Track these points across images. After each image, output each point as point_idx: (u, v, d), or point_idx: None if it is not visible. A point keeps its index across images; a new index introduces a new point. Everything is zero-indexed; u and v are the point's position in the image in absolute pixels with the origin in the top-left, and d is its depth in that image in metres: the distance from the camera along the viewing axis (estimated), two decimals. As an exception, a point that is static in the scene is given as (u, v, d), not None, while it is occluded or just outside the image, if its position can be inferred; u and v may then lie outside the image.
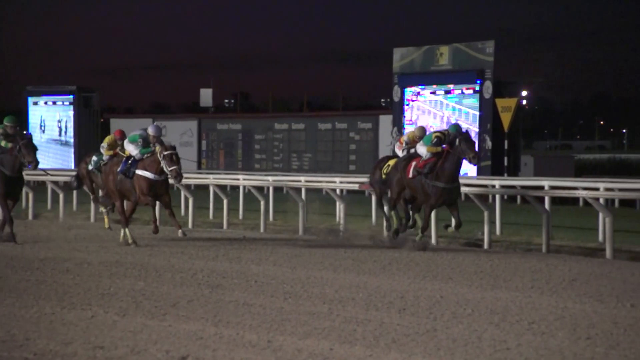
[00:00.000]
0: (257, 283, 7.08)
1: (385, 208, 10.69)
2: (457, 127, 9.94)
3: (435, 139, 9.75)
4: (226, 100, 52.27)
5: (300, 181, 15.06)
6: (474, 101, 23.81)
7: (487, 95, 23.39)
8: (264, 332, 5.18)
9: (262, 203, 12.82)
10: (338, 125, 27.61)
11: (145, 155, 9.98)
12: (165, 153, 9.76)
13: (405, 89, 25.52)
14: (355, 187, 13.95)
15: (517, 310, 5.82)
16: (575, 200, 17.40)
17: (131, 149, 10.20)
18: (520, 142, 25.50)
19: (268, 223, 13.21)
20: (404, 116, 25.56)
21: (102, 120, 30.46)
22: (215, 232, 12.18)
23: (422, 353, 4.68)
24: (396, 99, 25.77)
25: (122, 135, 11.87)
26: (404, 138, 10.50)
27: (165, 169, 9.77)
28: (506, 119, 22.47)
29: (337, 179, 16.03)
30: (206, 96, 30.46)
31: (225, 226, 13.09)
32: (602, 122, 73.24)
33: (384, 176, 10.45)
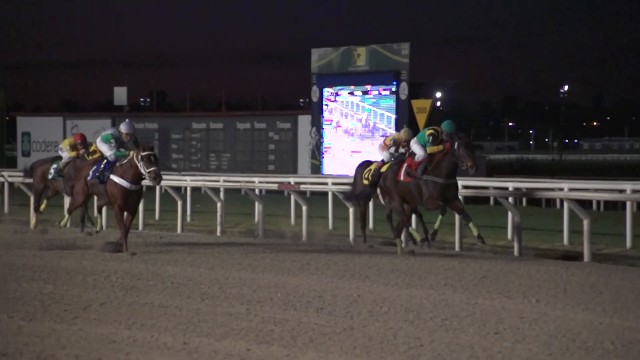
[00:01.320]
0: (174, 284, 6.97)
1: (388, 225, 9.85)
2: (450, 124, 9.15)
3: (431, 137, 9.16)
4: (142, 99, 51.15)
5: (218, 181, 14.93)
6: (391, 102, 24.26)
7: (403, 97, 23.88)
8: (179, 334, 5.11)
9: (179, 203, 12.63)
10: (257, 125, 27.54)
11: (122, 161, 9.36)
12: (143, 154, 9.18)
13: (324, 90, 25.73)
14: (275, 187, 13.95)
15: (431, 307, 5.96)
16: (486, 199, 17.99)
17: (105, 150, 9.58)
18: (435, 142, 26.14)
19: (185, 224, 13.03)
20: (323, 116, 25.77)
21: (7, 118, 29.25)
22: (130, 233, 11.90)
23: (338, 352, 4.72)
24: (315, 99, 25.94)
25: (84, 140, 11.44)
26: (389, 139, 10.00)
27: (142, 170, 9.19)
28: (421, 119, 23.00)
29: (256, 179, 15.98)
30: (120, 94, 29.76)
31: (140, 227, 12.82)
32: (511, 124, 76.14)
33: (365, 181, 9.86)
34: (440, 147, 9.09)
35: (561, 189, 11.86)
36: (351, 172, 29.47)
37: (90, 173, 9.60)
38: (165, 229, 12.93)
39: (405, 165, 9.33)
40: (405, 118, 23.92)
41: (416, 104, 23.25)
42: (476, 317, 5.60)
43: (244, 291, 6.61)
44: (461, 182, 14.43)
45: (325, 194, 14.44)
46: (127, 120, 9.94)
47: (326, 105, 25.97)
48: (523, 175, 25.59)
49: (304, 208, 11.78)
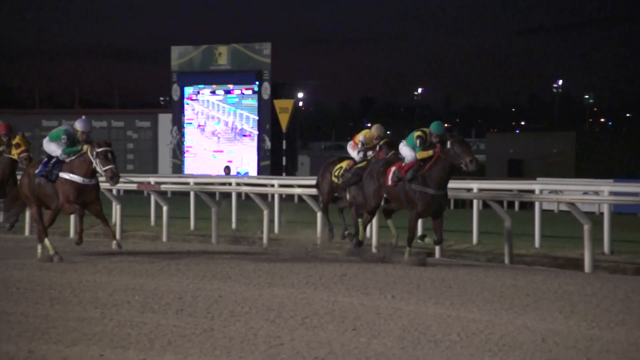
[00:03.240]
0: (20, 290, 6.54)
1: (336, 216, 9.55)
2: (439, 125, 8.62)
3: (419, 140, 8.56)
4: (-16, 96, 47.83)
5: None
6: (253, 102, 24.29)
7: (265, 96, 23.97)
8: (24, 342, 4.79)
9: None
10: (114, 124, 26.62)
11: (72, 156, 8.41)
12: (99, 150, 8.26)
13: (185, 88, 25.30)
14: (134, 187, 13.51)
15: (292, 306, 5.99)
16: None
17: (53, 149, 8.55)
18: (297, 142, 26.50)
19: (34, 225, 12.30)
20: (184, 115, 25.34)
21: None
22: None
23: (198, 354, 4.63)
24: (175, 97, 25.45)
25: (8, 130, 10.37)
26: (360, 138, 9.43)
27: (98, 169, 8.27)
28: (284, 119, 23.20)
29: (113, 179, 15.38)
30: (-40, 89, 27.71)
31: (-16, 230, 11.96)
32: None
33: (334, 179, 9.41)
34: (430, 152, 8.52)
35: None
36: (213, 171, 29.17)
37: (40, 167, 8.62)
38: (11, 232, 12.13)
39: (393, 169, 8.78)
40: (268, 118, 24.00)
41: (278, 104, 23.42)
42: (335, 314, 5.69)
43: (98, 295, 6.32)
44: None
45: (187, 193, 14.15)
46: (83, 117, 9.07)
47: (187, 104, 25.55)
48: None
49: (165, 208, 11.49)
